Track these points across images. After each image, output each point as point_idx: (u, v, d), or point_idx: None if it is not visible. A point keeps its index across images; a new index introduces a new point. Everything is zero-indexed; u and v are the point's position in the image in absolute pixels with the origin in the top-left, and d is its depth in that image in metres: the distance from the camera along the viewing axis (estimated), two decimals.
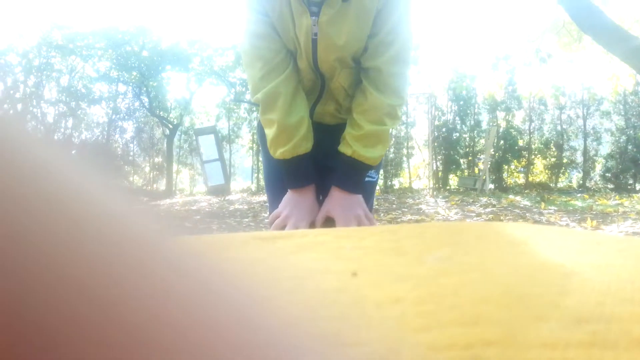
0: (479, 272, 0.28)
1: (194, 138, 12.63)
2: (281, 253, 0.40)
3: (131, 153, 13.92)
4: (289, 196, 1.28)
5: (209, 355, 0.10)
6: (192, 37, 12.02)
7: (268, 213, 1.39)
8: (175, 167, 13.12)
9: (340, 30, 1.18)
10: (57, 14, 16.04)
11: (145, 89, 12.28)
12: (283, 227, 1.25)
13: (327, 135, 1.31)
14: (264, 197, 8.97)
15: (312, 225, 1.26)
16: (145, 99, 12.54)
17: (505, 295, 0.24)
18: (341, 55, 1.21)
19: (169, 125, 12.68)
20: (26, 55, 11.83)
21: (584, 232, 0.45)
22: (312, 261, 0.36)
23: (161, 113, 12.65)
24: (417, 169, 12.97)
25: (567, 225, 4.65)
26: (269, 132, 1.24)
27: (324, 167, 1.30)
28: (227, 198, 9.96)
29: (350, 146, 1.23)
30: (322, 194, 1.32)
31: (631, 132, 11.81)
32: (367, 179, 1.29)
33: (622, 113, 12.15)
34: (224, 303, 0.12)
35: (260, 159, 1.83)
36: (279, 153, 1.24)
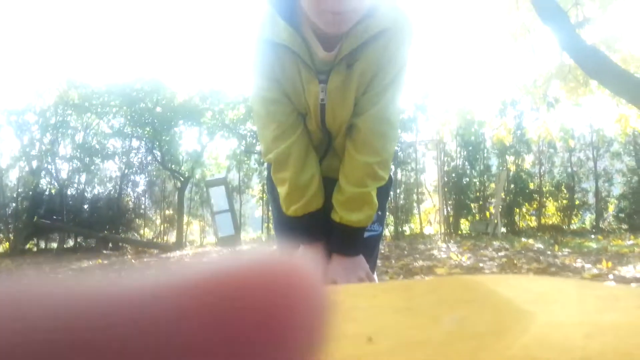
0: (495, 336, 0.28)
1: (205, 190, 12.70)
2: None
3: (143, 206, 14.01)
4: (299, 252, 1.30)
5: None
6: (205, 92, 12.30)
7: None
8: (185, 219, 13.13)
9: (345, 95, 1.22)
10: (75, 72, 16.53)
11: (158, 143, 12.47)
12: None
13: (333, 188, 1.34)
14: (274, 247, 8.86)
15: None
16: (158, 153, 12.71)
17: None
18: (346, 117, 1.25)
19: (181, 178, 12.80)
20: (43, 114, 12.16)
21: (601, 286, 0.44)
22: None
23: (173, 166, 12.79)
24: (428, 214, 12.89)
25: (583, 267, 4.56)
26: (281, 190, 1.28)
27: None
28: (237, 248, 9.91)
29: (337, 212, 1.26)
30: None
31: None
32: (368, 234, 1.32)
33: (633, 154, 12.11)
34: None
35: (270, 209, 1.90)
36: (291, 210, 1.27)
